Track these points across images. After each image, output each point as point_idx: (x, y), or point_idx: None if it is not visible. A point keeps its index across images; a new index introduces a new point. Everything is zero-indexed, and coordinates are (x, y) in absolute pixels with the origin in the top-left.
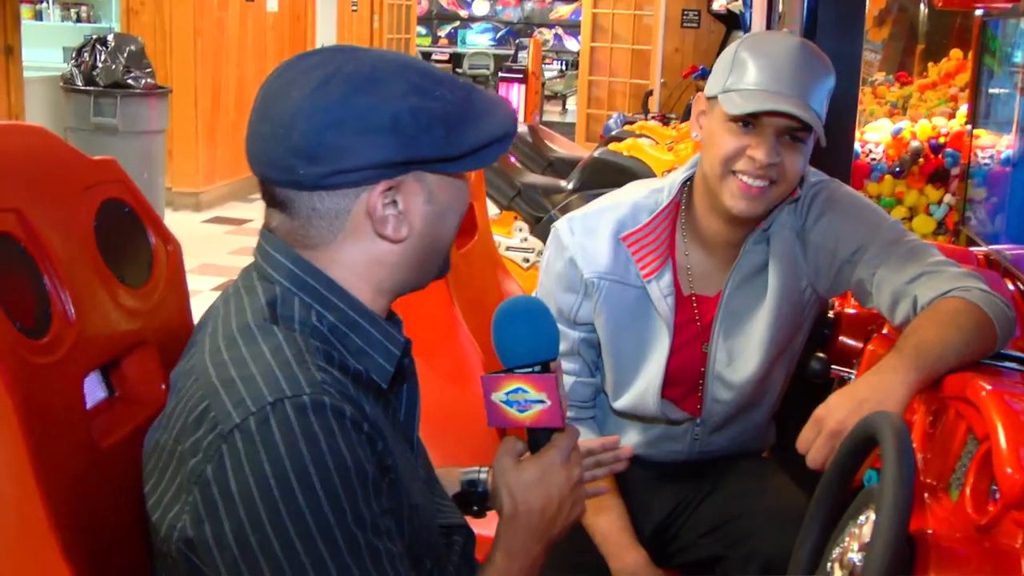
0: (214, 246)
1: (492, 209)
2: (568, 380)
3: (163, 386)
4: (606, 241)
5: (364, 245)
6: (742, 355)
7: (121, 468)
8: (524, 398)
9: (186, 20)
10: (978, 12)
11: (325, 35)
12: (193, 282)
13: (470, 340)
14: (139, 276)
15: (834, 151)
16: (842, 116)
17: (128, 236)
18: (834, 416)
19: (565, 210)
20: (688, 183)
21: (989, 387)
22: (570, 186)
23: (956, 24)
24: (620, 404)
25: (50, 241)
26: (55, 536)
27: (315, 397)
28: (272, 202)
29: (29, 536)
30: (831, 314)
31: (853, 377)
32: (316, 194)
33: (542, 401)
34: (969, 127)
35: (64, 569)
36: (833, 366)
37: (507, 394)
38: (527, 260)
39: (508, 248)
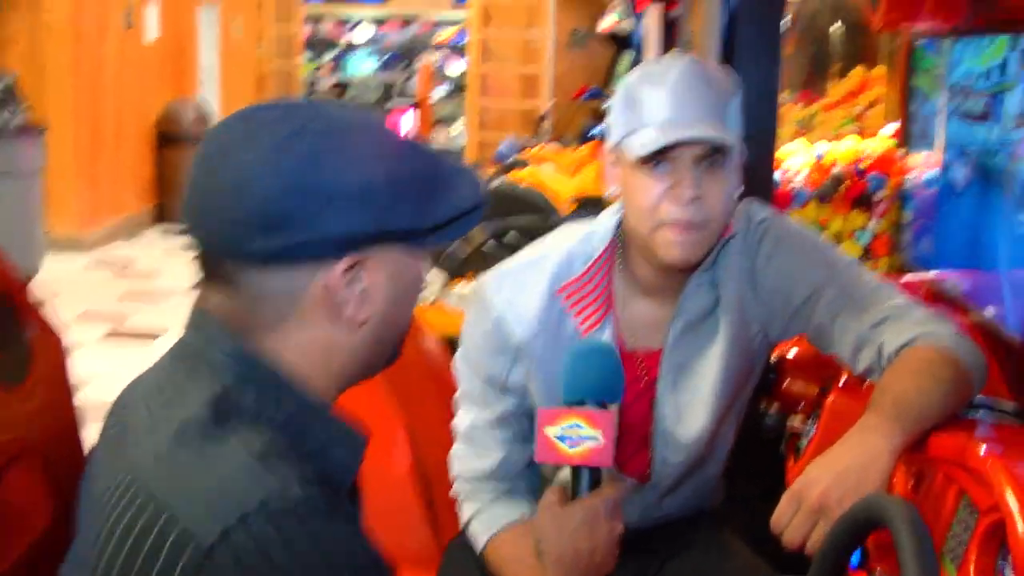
0: (99, 292)
1: None
2: (499, 451)
3: (51, 503)
4: (538, 296)
5: (319, 329)
6: (692, 410)
7: None
8: (578, 434)
9: (61, 53)
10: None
11: (208, 64)
12: (78, 332)
13: (391, 404)
14: (15, 374)
15: (754, 180)
16: (761, 144)
17: (3, 330)
18: (815, 489)
19: (467, 242)
20: (621, 226)
21: (990, 451)
22: None
23: (861, 42)
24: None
25: None
26: None
27: (305, 492)
28: (212, 277)
29: None
30: (773, 358)
31: (812, 431)
32: (268, 269)
33: (595, 438)
34: (901, 151)
35: None
36: (788, 421)
37: (562, 428)
38: (429, 296)
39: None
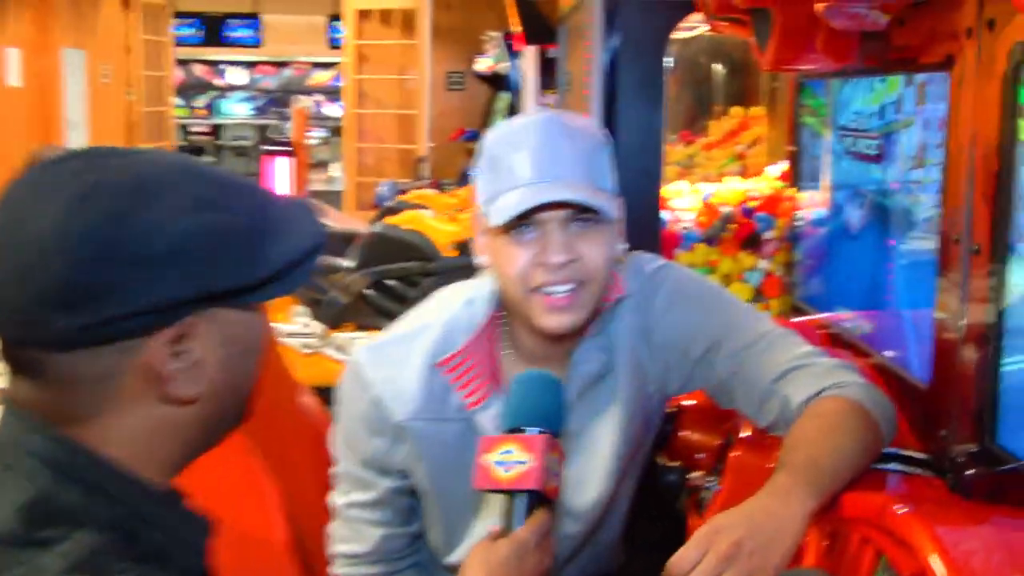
0: None
1: None
2: (378, 532)
3: None
4: (417, 371)
5: (145, 411)
6: (589, 477)
7: None
8: (511, 459)
9: None
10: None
11: (75, 111)
12: None
13: (263, 469)
14: None
15: (639, 223)
16: (646, 187)
17: None
18: (728, 536)
19: (346, 290)
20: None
21: (911, 512)
22: (350, 264)
23: (741, 82)
24: (455, 558)
25: None
26: None
27: None
28: (17, 367)
29: None
30: (670, 408)
31: (714, 487)
32: (76, 352)
33: (526, 462)
34: (791, 190)
35: None
36: (689, 475)
37: (499, 455)
38: (308, 346)
39: (288, 335)
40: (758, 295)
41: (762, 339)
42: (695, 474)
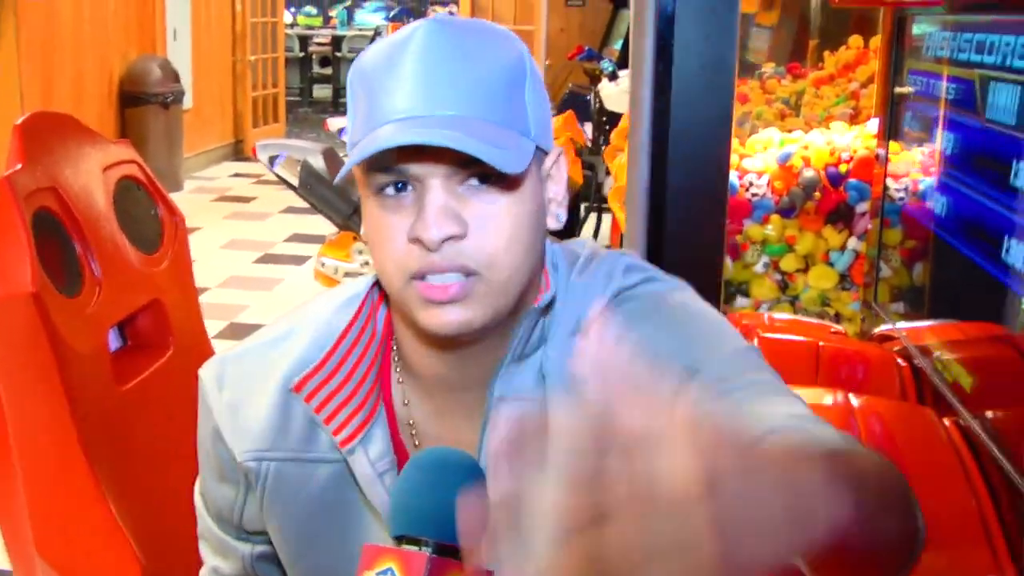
0: None
1: (328, 228)
2: None
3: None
4: (270, 395)
5: None
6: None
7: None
8: None
9: (4, 8)
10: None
11: (178, 19)
12: None
13: (117, 534)
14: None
15: (703, 185)
16: (712, 135)
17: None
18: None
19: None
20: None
21: None
22: None
23: (856, 9)
24: None
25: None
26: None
27: None
28: None
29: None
30: None
31: None
32: None
33: None
34: (880, 150)
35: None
36: None
37: (376, 575)
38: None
39: (347, 274)
40: (844, 282)
41: (750, 386)
42: None
